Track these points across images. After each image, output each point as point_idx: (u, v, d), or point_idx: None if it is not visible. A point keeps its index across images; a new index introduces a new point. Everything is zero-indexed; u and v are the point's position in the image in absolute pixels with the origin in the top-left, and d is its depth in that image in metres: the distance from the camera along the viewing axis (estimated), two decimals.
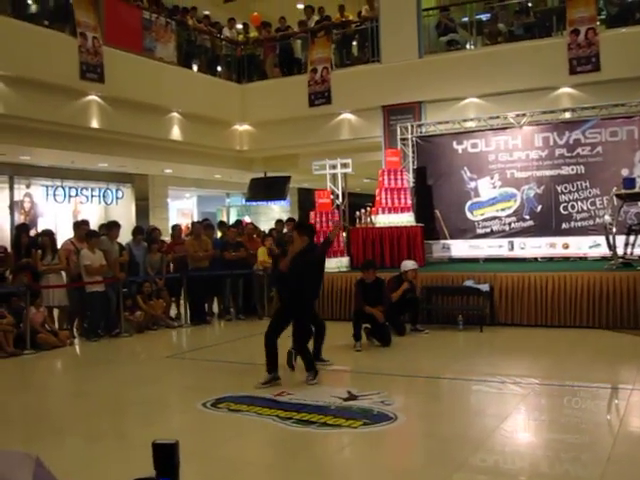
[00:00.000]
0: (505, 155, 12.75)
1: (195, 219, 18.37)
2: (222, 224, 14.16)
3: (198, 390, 6.54)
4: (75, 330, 10.39)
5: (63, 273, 10.25)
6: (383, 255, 11.95)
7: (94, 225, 12.53)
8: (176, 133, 14.76)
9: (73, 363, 8.87)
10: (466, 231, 12.97)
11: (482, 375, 7.00)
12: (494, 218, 12.80)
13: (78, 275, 10.08)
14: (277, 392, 6.20)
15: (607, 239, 10.35)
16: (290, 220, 13.88)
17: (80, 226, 10.68)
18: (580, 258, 12.16)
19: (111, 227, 10.82)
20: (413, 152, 13.49)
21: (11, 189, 15.28)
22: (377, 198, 12.72)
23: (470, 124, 13.26)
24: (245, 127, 16.57)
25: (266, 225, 13.71)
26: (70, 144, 13.12)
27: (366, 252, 11.96)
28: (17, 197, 15.41)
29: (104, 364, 8.19)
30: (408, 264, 9.83)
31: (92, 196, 17.01)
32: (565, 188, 12.23)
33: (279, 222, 14.21)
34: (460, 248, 13.01)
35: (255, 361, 7.02)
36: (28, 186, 15.72)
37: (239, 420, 5.41)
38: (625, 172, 11.56)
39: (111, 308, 10.32)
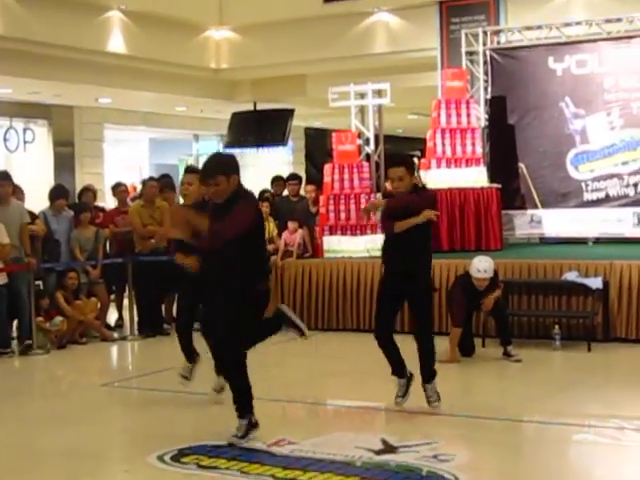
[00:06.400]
0: (631, 79, 12.64)
1: (146, 175, 18.36)
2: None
3: (151, 436, 6.55)
4: None
5: None
6: (438, 231, 11.90)
7: None
8: (118, 42, 14.72)
9: None
10: (567, 196, 12.94)
11: (589, 417, 6.96)
12: (612, 176, 12.73)
13: None
14: (273, 440, 6.20)
15: None
16: (294, 177, 13.85)
17: None
18: None
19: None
20: (486, 74, 13.44)
21: None
22: (430, 144, 12.69)
23: (576, 30, 13.12)
24: (225, 33, 16.50)
25: (256, 185, 13.58)
26: None
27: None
28: None
29: (8, 396, 8.19)
30: (474, 266, 9.24)
31: None
32: None
33: (278, 180, 14.17)
34: (557, 222, 12.99)
35: None
36: None
37: None
38: None
39: (21, 310, 10.28)
